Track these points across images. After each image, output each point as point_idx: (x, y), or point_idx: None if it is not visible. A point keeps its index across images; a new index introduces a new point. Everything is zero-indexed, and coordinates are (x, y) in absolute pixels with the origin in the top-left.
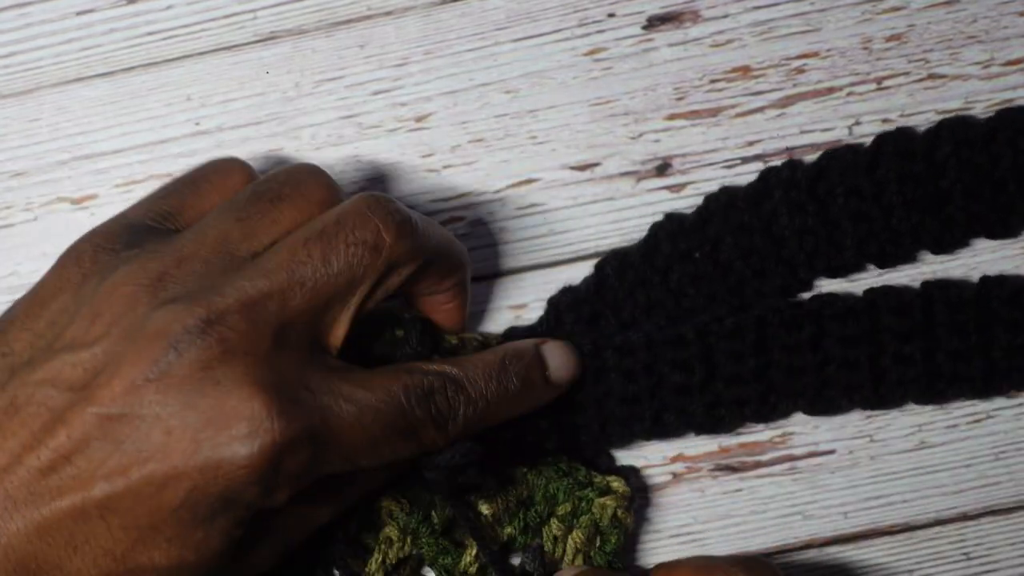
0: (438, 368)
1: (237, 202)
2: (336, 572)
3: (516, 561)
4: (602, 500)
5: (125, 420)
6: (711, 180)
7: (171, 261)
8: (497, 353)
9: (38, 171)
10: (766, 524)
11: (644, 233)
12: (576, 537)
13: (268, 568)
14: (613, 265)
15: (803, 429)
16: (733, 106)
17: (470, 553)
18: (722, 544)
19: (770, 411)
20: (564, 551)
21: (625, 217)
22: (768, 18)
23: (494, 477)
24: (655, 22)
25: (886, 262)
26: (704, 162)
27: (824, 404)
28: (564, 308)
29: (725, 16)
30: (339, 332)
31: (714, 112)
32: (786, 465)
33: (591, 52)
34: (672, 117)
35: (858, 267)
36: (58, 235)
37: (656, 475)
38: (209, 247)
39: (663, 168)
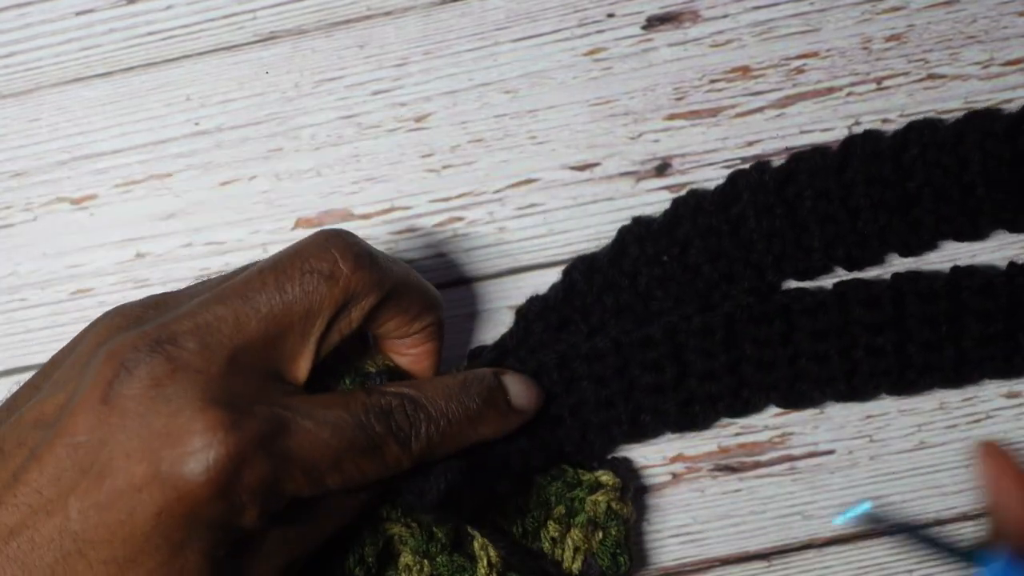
0: (396, 389)
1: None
2: None
3: None
4: (594, 497)
5: (89, 447)
6: (711, 180)
7: (147, 306)
8: (457, 376)
9: (38, 171)
10: (766, 524)
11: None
12: (574, 536)
13: None
14: (581, 270)
15: (802, 429)
16: (733, 106)
17: (483, 565)
18: (722, 544)
19: (743, 406)
20: (564, 551)
21: (625, 217)
22: (768, 18)
23: (483, 494)
24: (655, 22)
25: (854, 265)
26: (704, 162)
27: (797, 397)
28: (533, 317)
29: (725, 16)
30: (301, 365)
31: (714, 112)
32: (785, 465)
33: (591, 52)
34: (672, 117)
35: (826, 270)
36: (58, 235)
37: (656, 475)
38: (184, 293)
39: (663, 168)
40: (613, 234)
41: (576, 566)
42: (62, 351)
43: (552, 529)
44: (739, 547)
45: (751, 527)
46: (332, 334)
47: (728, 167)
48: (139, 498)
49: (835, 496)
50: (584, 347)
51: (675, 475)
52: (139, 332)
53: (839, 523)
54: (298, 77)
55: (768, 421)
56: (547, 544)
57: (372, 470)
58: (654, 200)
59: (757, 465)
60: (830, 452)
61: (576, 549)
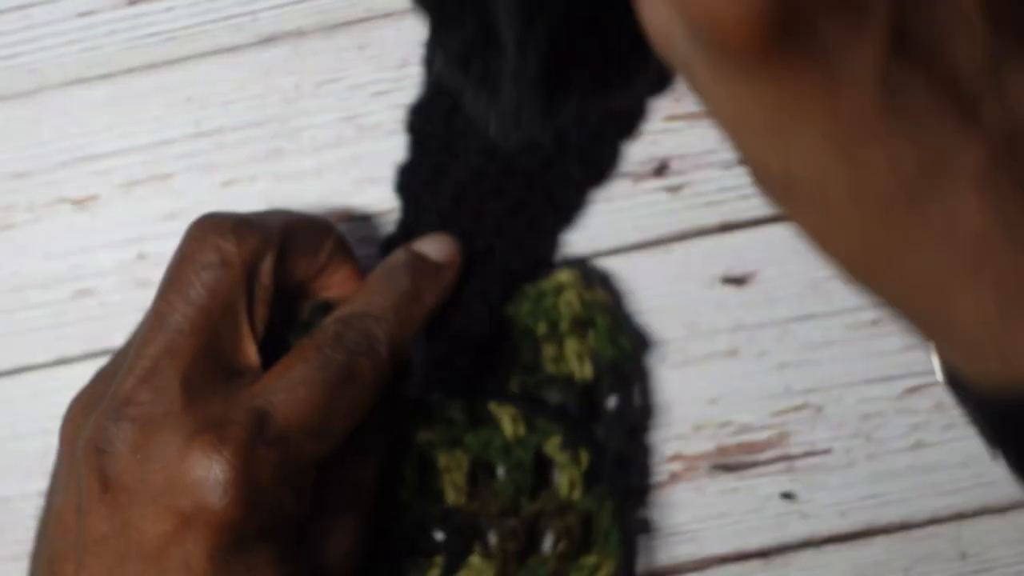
0: (333, 316)
1: None
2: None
3: None
4: (563, 297)
5: (118, 536)
6: (709, 181)
7: (97, 384)
8: (376, 272)
9: (40, 172)
10: (763, 523)
11: (643, 233)
12: (569, 346)
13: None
14: (418, 120)
15: (800, 428)
16: None
17: (506, 424)
18: (719, 542)
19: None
20: (570, 365)
21: (623, 218)
22: None
23: (475, 357)
24: None
25: None
26: (702, 163)
27: None
28: (412, 189)
29: None
30: (248, 351)
31: None
32: (783, 464)
33: None
34: (670, 118)
35: None
36: (60, 235)
37: (654, 474)
38: (121, 353)
39: (661, 169)
40: (613, 234)
41: (588, 371)
42: (55, 463)
43: (547, 351)
44: (737, 546)
45: (749, 526)
46: (257, 308)
47: (726, 168)
48: (185, 549)
49: (832, 495)
50: (464, 171)
51: (673, 474)
52: (99, 412)
53: None
54: (299, 79)
55: (766, 420)
56: (552, 367)
57: (360, 394)
58: (653, 201)
59: (755, 464)
60: (827, 451)
61: (579, 356)
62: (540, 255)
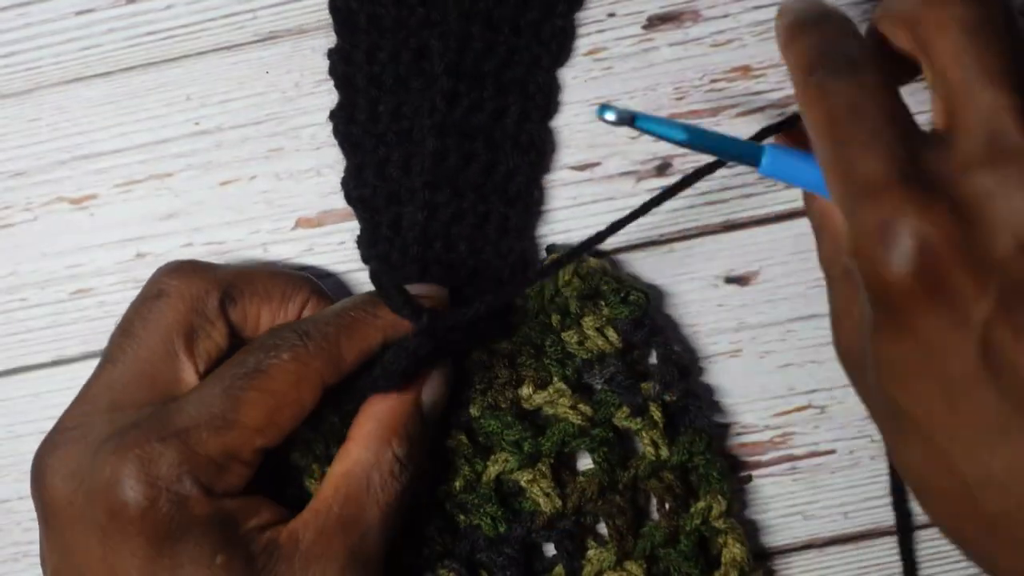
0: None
1: None
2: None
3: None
4: (561, 277)
5: (64, 569)
6: (711, 180)
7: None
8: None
9: (38, 171)
10: (767, 524)
11: (644, 233)
12: (588, 323)
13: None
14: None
15: (803, 429)
16: (734, 106)
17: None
18: None
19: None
20: (595, 342)
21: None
22: (768, 18)
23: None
24: (655, 22)
25: None
26: (704, 162)
27: None
28: (360, 196)
29: (725, 16)
30: (185, 379)
31: (714, 112)
32: (786, 465)
33: (591, 52)
34: (672, 117)
35: None
36: (58, 235)
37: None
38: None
39: (663, 168)
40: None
41: (613, 338)
42: None
43: (570, 339)
44: None
45: (752, 527)
46: (201, 340)
47: (729, 167)
48: (114, 560)
49: (836, 496)
50: (418, 208)
51: None
52: (39, 445)
53: (606, 116)
54: (298, 77)
55: (769, 421)
56: (581, 352)
57: (277, 383)
58: None
59: (758, 465)
60: (831, 452)
61: (599, 328)
62: (521, 255)
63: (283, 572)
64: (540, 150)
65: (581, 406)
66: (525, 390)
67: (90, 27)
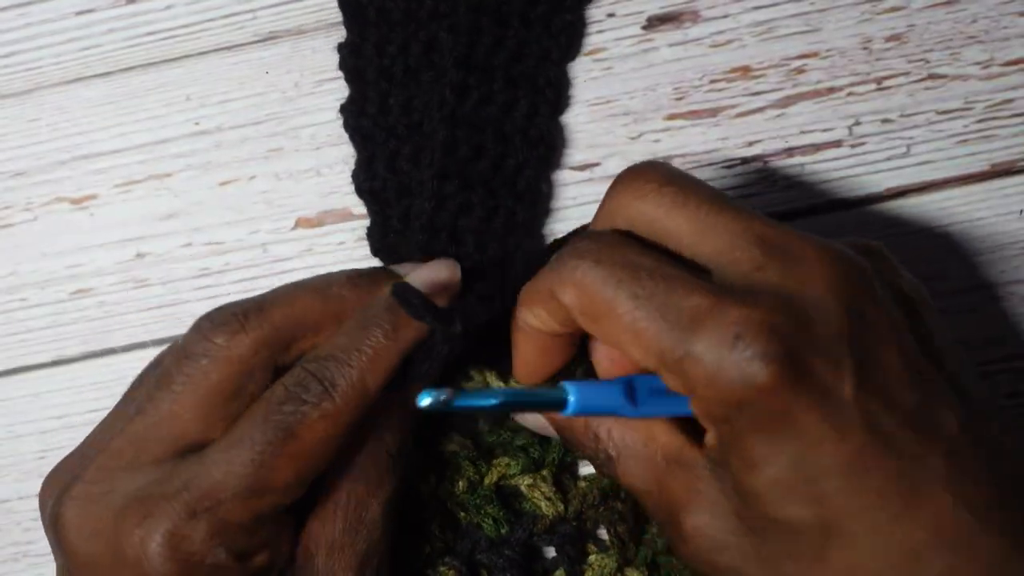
0: (301, 360)
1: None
2: None
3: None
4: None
5: None
6: (711, 180)
7: (63, 464)
8: (357, 309)
9: (38, 171)
10: None
11: None
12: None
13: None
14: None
15: None
16: (733, 106)
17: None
18: None
19: None
20: None
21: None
22: (768, 18)
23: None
24: (655, 22)
25: None
26: (704, 162)
27: None
28: (381, 199)
29: (725, 16)
30: (213, 432)
31: (714, 112)
32: None
33: (591, 52)
34: (672, 117)
35: None
36: (58, 235)
37: None
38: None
39: None
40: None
41: None
42: None
43: None
44: None
45: None
46: (241, 399)
47: (728, 167)
48: None
49: None
50: (427, 200)
51: None
52: (54, 495)
53: (422, 404)
54: (298, 77)
55: None
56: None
57: (308, 444)
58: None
59: None
60: None
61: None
62: (529, 249)
63: None
64: (549, 145)
65: None
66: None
67: (90, 27)
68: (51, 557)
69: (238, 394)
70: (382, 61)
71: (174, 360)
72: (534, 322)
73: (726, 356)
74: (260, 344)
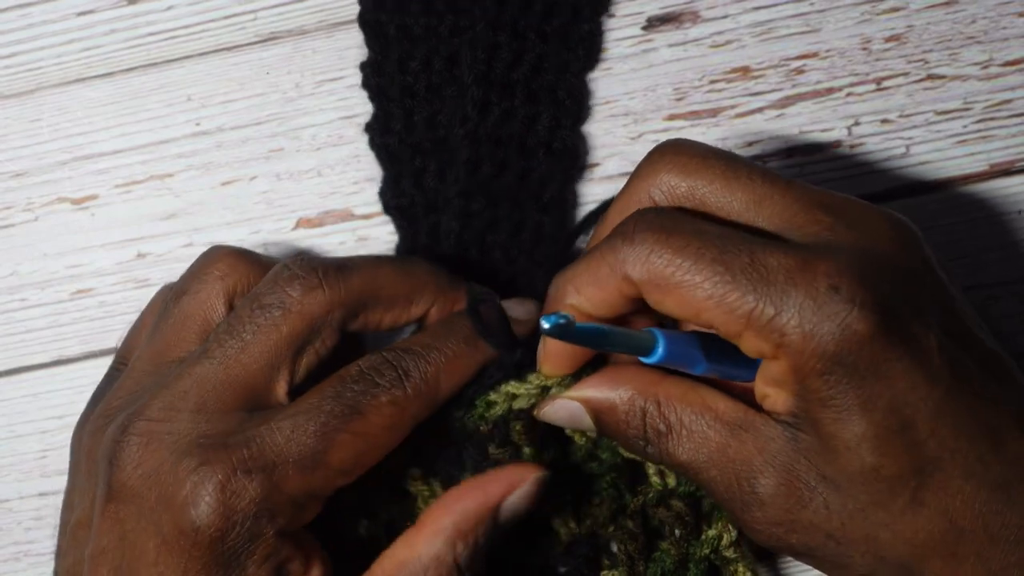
0: (385, 349)
1: (154, 323)
2: None
3: None
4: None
5: (115, 548)
6: None
7: (112, 398)
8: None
9: (39, 171)
10: None
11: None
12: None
13: None
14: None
15: None
16: (733, 106)
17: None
18: None
19: None
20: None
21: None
22: (768, 19)
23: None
24: (655, 22)
25: None
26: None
27: None
28: (397, 206)
29: (725, 17)
30: (277, 391)
31: (714, 112)
32: None
33: None
34: (672, 117)
35: None
36: (58, 235)
37: None
38: (138, 371)
39: None
40: None
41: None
42: (69, 476)
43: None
44: None
45: None
46: (306, 355)
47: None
48: (165, 568)
49: None
50: (453, 218)
51: None
52: (114, 425)
53: (546, 325)
54: (299, 77)
55: None
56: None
57: (371, 426)
58: None
59: None
60: None
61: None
62: (564, 209)
63: None
64: (573, 156)
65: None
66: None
67: (91, 28)
68: (51, 556)
69: (304, 349)
70: (405, 78)
71: (248, 307)
72: (585, 305)
73: (824, 308)
74: (335, 304)
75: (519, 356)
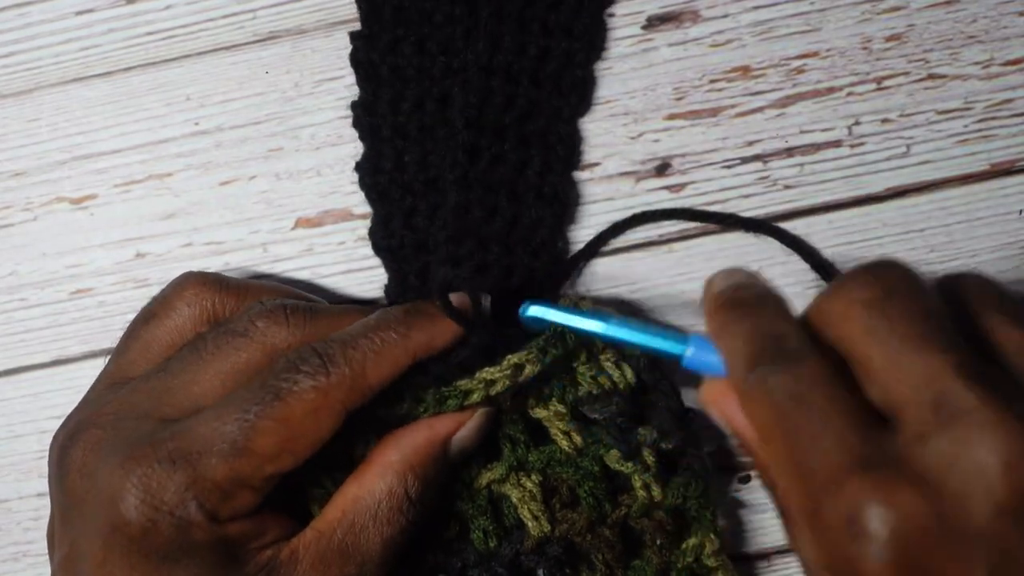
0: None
1: (121, 342)
2: None
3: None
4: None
5: (68, 560)
6: (711, 180)
7: (75, 412)
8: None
9: (37, 171)
10: (766, 524)
11: (645, 233)
12: (606, 356)
13: None
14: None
15: None
16: (733, 106)
17: (560, 439)
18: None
19: None
20: (612, 376)
21: (625, 217)
22: (768, 18)
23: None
24: (655, 22)
25: None
26: (704, 162)
27: None
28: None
29: (725, 16)
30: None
31: (714, 112)
32: None
33: None
34: (672, 117)
35: None
36: (57, 235)
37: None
38: (101, 386)
39: (663, 168)
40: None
41: (628, 376)
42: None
43: (585, 371)
44: (740, 547)
45: (753, 527)
46: (262, 375)
47: (728, 167)
48: (109, 570)
49: None
50: (448, 210)
51: None
52: (63, 433)
53: (528, 313)
54: (298, 77)
55: None
56: (592, 386)
57: (294, 412)
58: (654, 200)
59: None
60: None
61: (616, 363)
62: (555, 255)
63: None
64: (563, 201)
65: (574, 435)
66: (531, 400)
67: (90, 27)
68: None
69: (256, 378)
70: (396, 118)
71: (213, 330)
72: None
73: (840, 537)
74: (294, 341)
75: (487, 338)
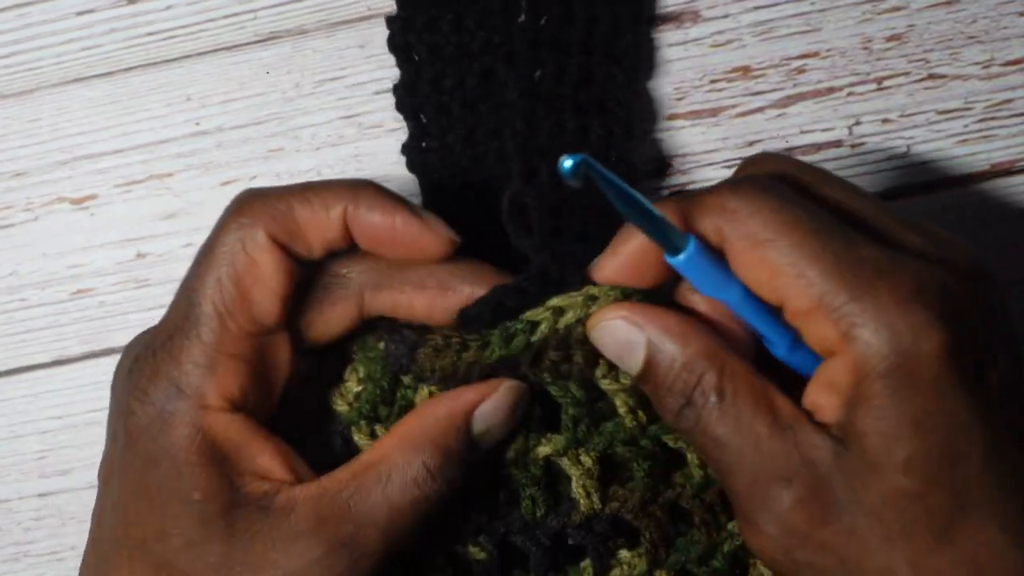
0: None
1: (186, 276)
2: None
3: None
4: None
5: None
6: (711, 180)
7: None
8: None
9: (38, 171)
10: None
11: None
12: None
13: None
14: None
15: None
16: (733, 106)
17: (623, 409)
18: None
19: None
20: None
21: None
22: (768, 18)
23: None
24: (655, 22)
25: None
26: (704, 162)
27: None
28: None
29: (725, 16)
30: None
31: (714, 112)
32: None
33: None
34: (672, 117)
35: None
36: (58, 235)
37: None
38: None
39: (663, 168)
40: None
41: None
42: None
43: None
44: None
45: None
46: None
47: (728, 167)
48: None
49: None
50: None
51: None
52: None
53: (565, 165)
54: (299, 77)
55: None
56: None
57: (221, 254)
58: (654, 200)
59: None
60: None
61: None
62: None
63: (264, 534)
64: (629, 164)
65: (640, 412)
66: (600, 369)
67: (91, 27)
68: (51, 556)
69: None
70: (440, 97)
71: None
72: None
73: (903, 310)
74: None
75: (548, 261)
